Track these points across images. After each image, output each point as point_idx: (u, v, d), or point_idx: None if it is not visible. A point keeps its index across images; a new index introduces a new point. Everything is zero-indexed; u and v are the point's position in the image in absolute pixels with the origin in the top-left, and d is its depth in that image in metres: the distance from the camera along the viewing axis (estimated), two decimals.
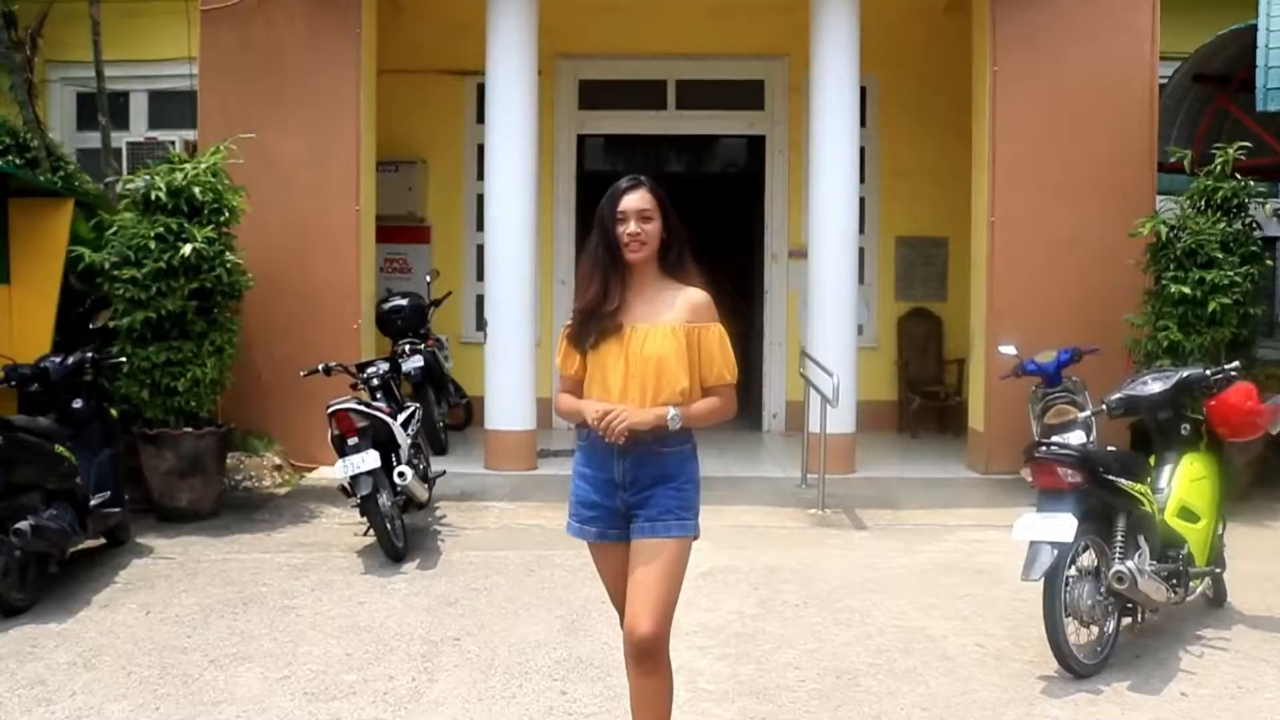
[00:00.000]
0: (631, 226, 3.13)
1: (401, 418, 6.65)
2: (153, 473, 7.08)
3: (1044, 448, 4.74)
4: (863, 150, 9.41)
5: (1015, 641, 4.92)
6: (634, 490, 3.18)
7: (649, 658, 3.13)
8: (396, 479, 6.27)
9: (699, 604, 5.35)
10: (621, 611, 3.29)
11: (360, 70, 8.52)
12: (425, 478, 6.96)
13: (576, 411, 3.23)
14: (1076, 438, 6.51)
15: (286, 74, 8.47)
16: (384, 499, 6.20)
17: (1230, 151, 7.52)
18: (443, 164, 10.73)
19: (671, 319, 3.17)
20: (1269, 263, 7.75)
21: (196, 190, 7.02)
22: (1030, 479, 4.75)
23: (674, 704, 3.28)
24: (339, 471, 6.20)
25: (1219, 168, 7.56)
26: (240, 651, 4.75)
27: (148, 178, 7.08)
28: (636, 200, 3.15)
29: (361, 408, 6.34)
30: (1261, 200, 7.75)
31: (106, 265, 7.00)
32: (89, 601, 5.43)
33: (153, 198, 6.96)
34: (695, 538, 3.24)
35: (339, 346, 7.99)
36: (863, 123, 9.38)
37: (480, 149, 9.20)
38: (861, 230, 9.73)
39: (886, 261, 10.86)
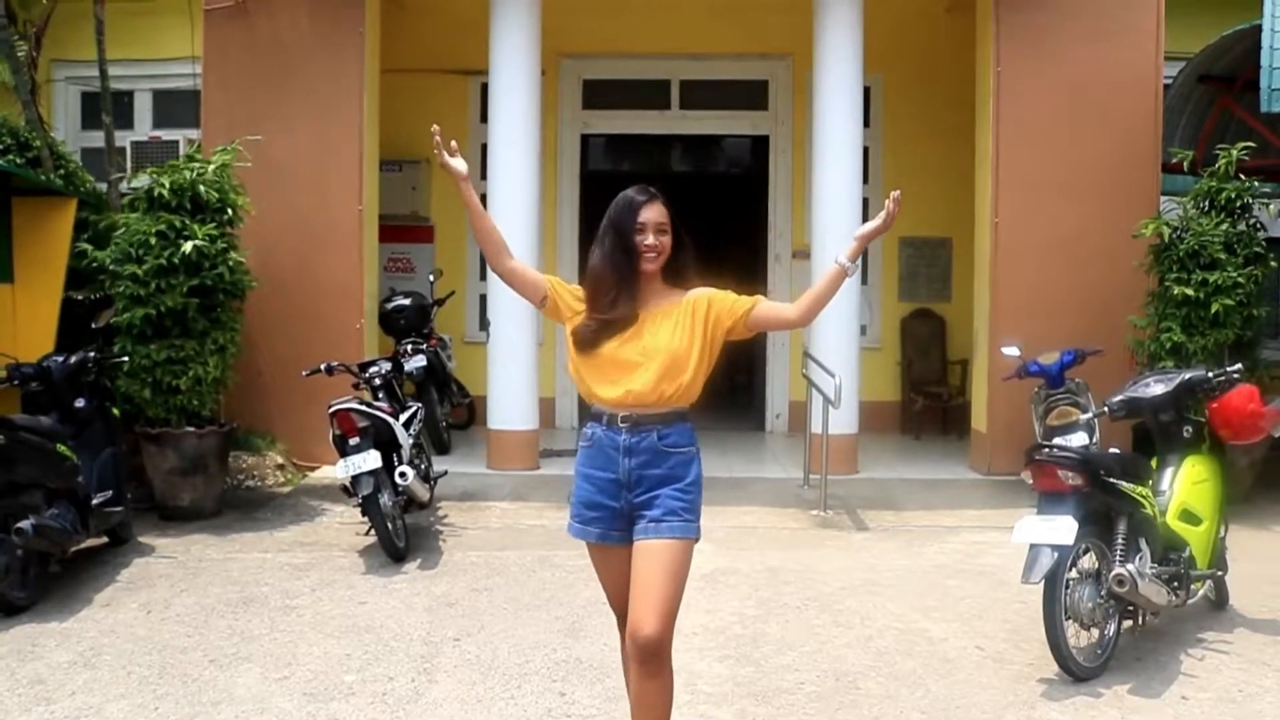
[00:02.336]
0: (650, 239, 3.23)
1: (403, 417, 6.66)
2: (155, 472, 7.10)
3: (1045, 450, 4.73)
4: (866, 150, 9.39)
5: (1016, 644, 4.91)
6: (639, 491, 3.21)
7: (653, 659, 3.14)
8: (398, 479, 6.28)
9: (699, 605, 5.35)
10: (619, 614, 3.31)
11: (364, 69, 8.52)
12: (427, 478, 6.96)
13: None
14: (1079, 439, 6.52)
15: (290, 73, 8.48)
16: (385, 499, 6.21)
17: (1234, 152, 7.49)
18: None
19: (676, 310, 3.26)
20: (1273, 264, 7.72)
21: (201, 188, 7.04)
22: (1031, 481, 4.74)
23: (673, 706, 3.28)
24: (340, 471, 6.21)
25: (1223, 168, 7.54)
26: (240, 651, 4.76)
27: (153, 176, 7.10)
28: (655, 214, 3.25)
29: (363, 408, 6.34)
30: (1265, 201, 7.72)
31: (109, 262, 7.02)
32: (90, 600, 5.44)
33: (156, 194, 6.97)
34: (697, 540, 3.25)
35: (341, 346, 8.00)
36: (866, 123, 9.36)
37: (483, 148, 9.19)
38: None
39: (890, 262, 10.84)
